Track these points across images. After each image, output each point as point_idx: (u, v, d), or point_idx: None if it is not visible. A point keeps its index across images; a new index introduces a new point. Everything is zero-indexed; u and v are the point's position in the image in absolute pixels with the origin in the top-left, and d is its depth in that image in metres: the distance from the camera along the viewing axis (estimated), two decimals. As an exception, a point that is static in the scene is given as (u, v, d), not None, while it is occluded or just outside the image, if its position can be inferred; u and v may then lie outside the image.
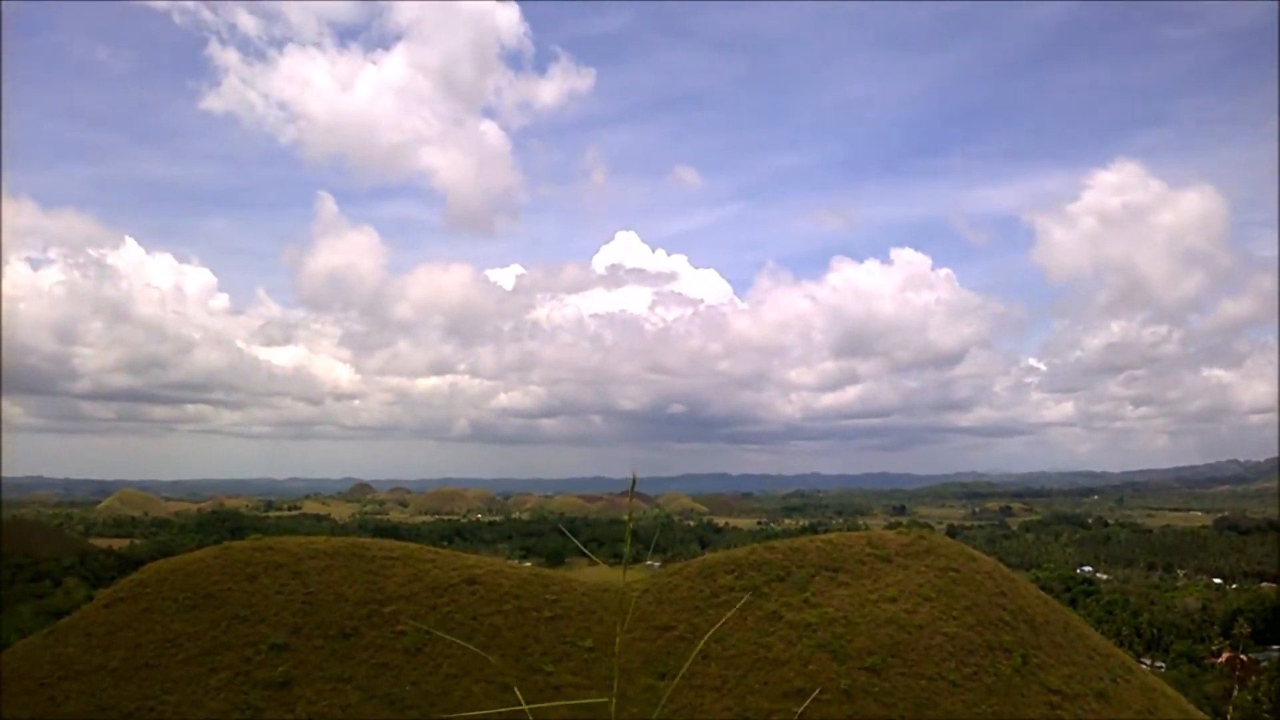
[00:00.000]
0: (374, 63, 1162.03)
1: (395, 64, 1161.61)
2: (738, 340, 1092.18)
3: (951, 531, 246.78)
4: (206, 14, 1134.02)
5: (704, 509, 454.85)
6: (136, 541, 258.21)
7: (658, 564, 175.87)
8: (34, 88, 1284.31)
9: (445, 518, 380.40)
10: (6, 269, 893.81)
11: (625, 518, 4.19)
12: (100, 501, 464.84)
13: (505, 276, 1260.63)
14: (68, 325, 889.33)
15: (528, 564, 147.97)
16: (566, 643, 63.33)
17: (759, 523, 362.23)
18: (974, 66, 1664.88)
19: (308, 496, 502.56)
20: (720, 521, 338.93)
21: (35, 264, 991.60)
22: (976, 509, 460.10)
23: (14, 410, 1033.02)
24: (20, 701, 57.07)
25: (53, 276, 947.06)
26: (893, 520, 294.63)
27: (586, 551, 5.76)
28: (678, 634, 63.77)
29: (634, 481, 4.73)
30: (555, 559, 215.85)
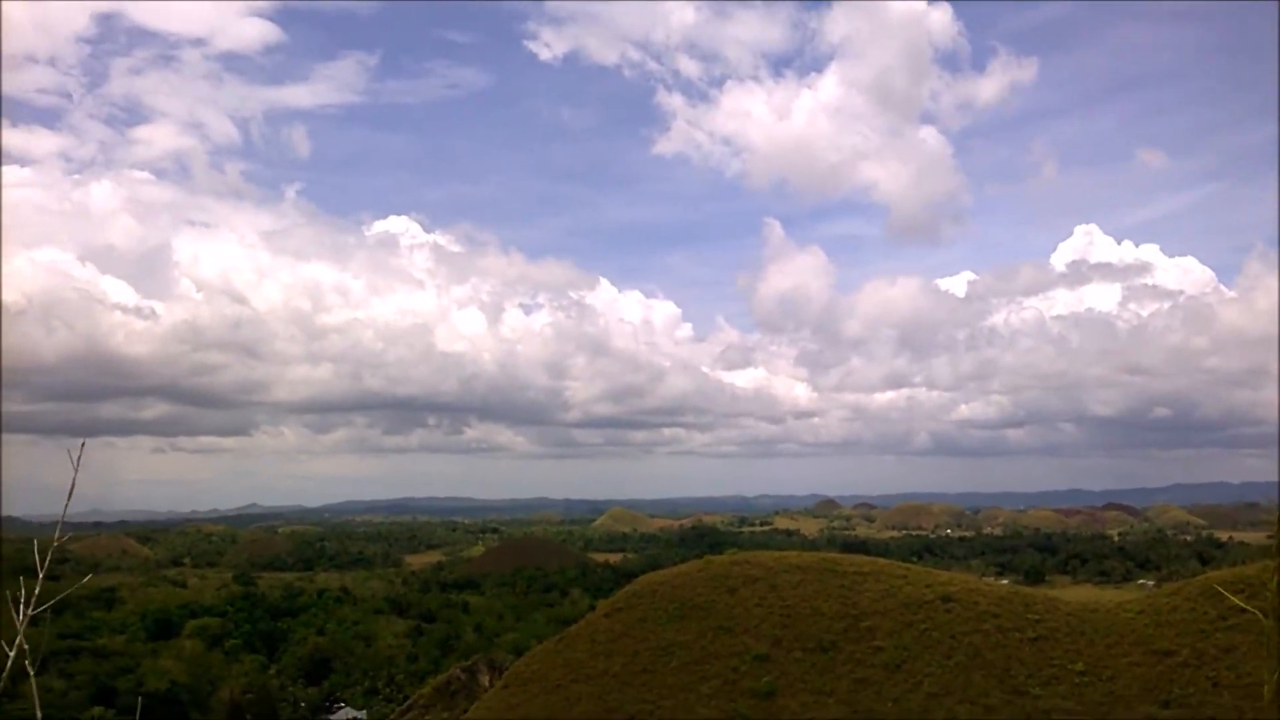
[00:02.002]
0: (809, 87, 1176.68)
1: (828, 84, 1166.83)
2: (1227, 333, 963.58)
3: None
4: (652, 65, 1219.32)
5: (1201, 522, 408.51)
6: (628, 555, 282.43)
7: (1152, 583, 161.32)
8: (516, 152, 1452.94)
9: (912, 533, 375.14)
10: (505, 315, 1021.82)
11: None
12: (594, 519, 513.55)
13: (956, 284, 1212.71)
14: (557, 362, 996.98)
15: (1004, 581, 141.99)
16: (1054, 665, 59.93)
17: (1270, 537, 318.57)
18: None
19: (777, 512, 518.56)
20: (1222, 536, 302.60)
21: (527, 309, 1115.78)
22: None
23: (518, 439, 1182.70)
24: (540, 701, 64.42)
25: (542, 319, 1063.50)
26: None
27: None
28: (1180, 660, 58.06)
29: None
30: (1034, 577, 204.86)
